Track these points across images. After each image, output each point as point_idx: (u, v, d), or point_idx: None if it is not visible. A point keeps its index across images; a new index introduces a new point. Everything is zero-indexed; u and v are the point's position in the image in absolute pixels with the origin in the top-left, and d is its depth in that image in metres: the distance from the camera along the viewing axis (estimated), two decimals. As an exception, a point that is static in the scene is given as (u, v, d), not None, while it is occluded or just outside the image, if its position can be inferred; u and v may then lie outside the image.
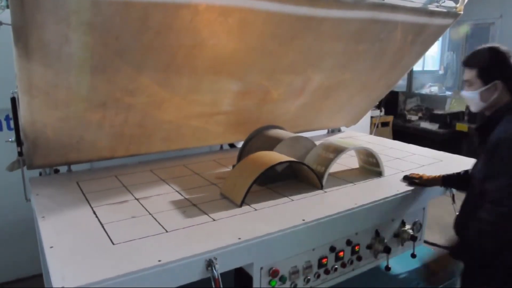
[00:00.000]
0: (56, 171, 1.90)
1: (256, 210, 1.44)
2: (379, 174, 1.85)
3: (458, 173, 1.70)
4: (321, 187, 1.66)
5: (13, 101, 1.62)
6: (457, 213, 1.56)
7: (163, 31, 1.48)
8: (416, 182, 1.73)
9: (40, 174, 1.88)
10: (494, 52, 1.41)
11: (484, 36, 5.79)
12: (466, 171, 1.67)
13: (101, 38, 1.40)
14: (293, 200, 1.54)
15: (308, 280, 1.41)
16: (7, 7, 1.18)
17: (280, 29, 1.73)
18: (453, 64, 6.62)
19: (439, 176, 1.72)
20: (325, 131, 2.90)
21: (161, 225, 1.30)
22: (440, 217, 3.98)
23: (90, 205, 1.47)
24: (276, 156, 1.60)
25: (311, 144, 1.85)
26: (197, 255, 1.11)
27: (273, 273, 1.30)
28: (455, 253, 1.39)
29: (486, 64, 1.40)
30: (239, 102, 2.05)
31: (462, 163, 2.06)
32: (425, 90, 6.88)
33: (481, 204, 1.32)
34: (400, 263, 1.95)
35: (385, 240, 1.60)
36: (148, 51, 1.53)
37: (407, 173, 1.85)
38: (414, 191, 1.69)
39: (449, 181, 1.71)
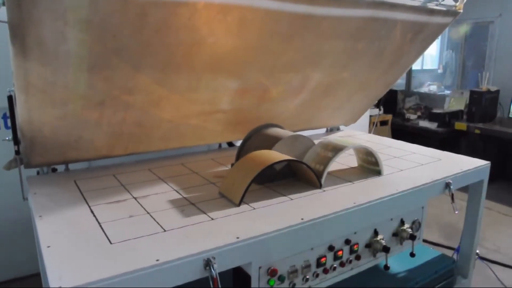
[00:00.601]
0: (54, 170, 1.89)
1: (254, 209, 1.44)
2: (378, 173, 1.85)
3: None
4: (320, 186, 1.66)
5: (10, 99, 1.61)
6: None
7: (162, 29, 1.47)
8: None
9: (38, 173, 1.87)
10: None
11: (483, 35, 5.79)
12: None
13: (99, 36, 1.39)
14: (291, 199, 1.54)
15: (307, 280, 1.40)
16: (3, 4, 1.17)
17: (280, 27, 1.72)
18: (452, 63, 6.63)
19: None
20: (324, 130, 2.90)
21: (159, 224, 1.29)
22: (439, 216, 3.99)
23: (87, 204, 1.46)
24: (274, 155, 1.60)
25: (310, 142, 1.85)
26: (195, 255, 1.11)
27: (272, 272, 1.29)
28: None
29: None
30: (238, 100, 2.05)
31: (461, 162, 2.07)
32: (424, 89, 6.90)
33: None
34: (399, 262, 1.95)
35: (384, 239, 1.60)
36: (146, 49, 1.52)
37: (407, 172, 1.84)
38: (413, 190, 1.69)
39: None
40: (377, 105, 3.36)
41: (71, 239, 1.20)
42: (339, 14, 1.80)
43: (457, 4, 2.21)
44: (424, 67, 7.20)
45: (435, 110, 5.78)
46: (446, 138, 5.43)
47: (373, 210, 1.54)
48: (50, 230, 1.25)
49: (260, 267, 1.26)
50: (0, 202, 2.43)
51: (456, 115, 5.55)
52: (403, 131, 5.83)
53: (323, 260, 1.43)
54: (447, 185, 1.81)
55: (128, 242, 1.17)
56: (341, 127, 2.95)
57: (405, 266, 1.97)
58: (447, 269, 2.05)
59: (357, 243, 1.54)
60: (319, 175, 1.67)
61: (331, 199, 1.56)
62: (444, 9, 2.16)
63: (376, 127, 5.43)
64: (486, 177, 2.06)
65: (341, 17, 1.82)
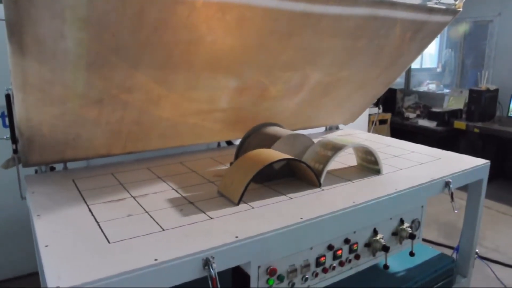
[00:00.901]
0: (52, 168, 1.88)
1: (253, 208, 1.43)
2: (377, 172, 1.84)
3: None
4: (319, 185, 1.65)
5: (8, 98, 1.60)
6: None
7: (160, 27, 1.46)
8: None
9: (36, 171, 1.86)
10: None
11: (482, 33, 5.79)
12: None
13: (97, 34, 1.38)
14: (290, 198, 1.53)
15: (306, 279, 1.40)
16: (0, 2, 1.16)
17: (279, 26, 1.71)
18: (451, 61, 6.63)
19: None
20: (323, 129, 2.90)
21: (158, 224, 1.29)
22: (439, 215, 4.00)
23: (86, 203, 1.46)
24: (273, 154, 1.59)
25: (309, 141, 1.84)
26: (194, 254, 1.10)
27: (271, 272, 1.29)
28: None
29: None
30: (236, 99, 2.04)
31: (461, 161, 2.06)
32: (423, 88, 6.90)
33: None
34: (399, 261, 1.95)
35: (383, 238, 1.59)
36: (144, 47, 1.51)
37: (406, 170, 1.84)
38: (412, 189, 1.69)
39: None
40: (376, 104, 3.34)
41: (69, 239, 1.19)
42: (338, 12, 1.79)
43: (457, 2, 2.20)
44: (423, 66, 7.20)
45: (434, 109, 5.78)
46: (445, 137, 5.43)
47: (372, 209, 1.54)
48: (48, 229, 1.25)
49: (259, 267, 1.26)
50: (-2, 201, 2.42)
51: (455, 114, 5.55)
52: (402, 130, 5.83)
53: (322, 259, 1.43)
54: (447, 184, 1.81)
55: (126, 242, 1.16)
56: (340, 126, 2.95)
57: (405, 265, 1.97)
58: (446, 268, 2.05)
59: (356, 243, 1.53)
60: (318, 174, 1.66)
61: (330, 198, 1.55)
62: (443, 7, 2.15)
63: (375, 126, 5.43)
64: (485, 176, 2.06)
65: (340, 16, 1.82)
